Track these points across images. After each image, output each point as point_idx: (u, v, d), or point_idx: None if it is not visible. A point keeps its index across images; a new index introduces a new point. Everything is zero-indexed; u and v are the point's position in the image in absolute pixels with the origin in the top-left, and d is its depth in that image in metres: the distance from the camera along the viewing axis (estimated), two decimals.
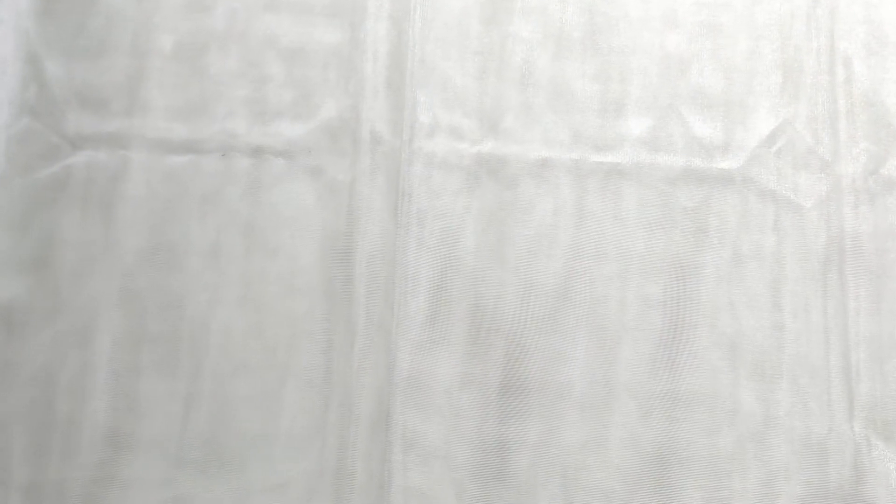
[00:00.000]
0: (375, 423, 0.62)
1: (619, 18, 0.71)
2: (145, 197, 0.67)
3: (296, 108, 0.69)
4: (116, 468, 0.61)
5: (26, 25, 0.70)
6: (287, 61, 0.70)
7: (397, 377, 0.63)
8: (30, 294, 0.64)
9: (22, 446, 0.62)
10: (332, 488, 0.61)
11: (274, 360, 0.63)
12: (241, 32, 0.71)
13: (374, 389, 0.63)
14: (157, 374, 0.63)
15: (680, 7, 0.70)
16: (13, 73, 0.69)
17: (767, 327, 0.65)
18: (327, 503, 0.61)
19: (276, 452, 0.62)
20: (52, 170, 0.67)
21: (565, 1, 0.71)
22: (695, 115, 0.69)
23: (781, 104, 0.69)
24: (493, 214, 0.66)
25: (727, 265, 0.66)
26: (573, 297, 0.65)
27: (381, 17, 0.71)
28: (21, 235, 0.66)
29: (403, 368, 0.63)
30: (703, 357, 0.64)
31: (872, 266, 0.66)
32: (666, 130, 0.68)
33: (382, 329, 0.63)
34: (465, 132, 0.69)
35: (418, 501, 0.61)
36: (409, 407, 0.63)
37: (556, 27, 0.71)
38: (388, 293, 0.64)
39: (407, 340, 0.64)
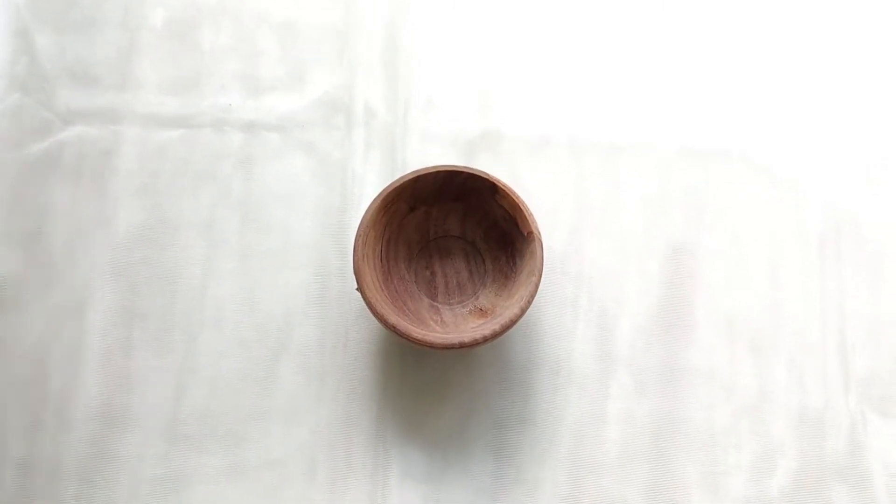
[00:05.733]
0: (370, 397, 0.62)
1: None
2: (137, 171, 0.66)
3: (289, 83, 0.69)
4: (110, 443, 0.61)
5: None
6: (280, 36, 0.70)
7: None
8: (22, 270, 0.64)
9: (16, 421, 0.61)
10: (328, 463, 0.61)
11: (268, 335, 0.63)
12: (233, 7, 0.70)
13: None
14: (150, 349, 0.63)
15: None
16: (3, 47, 0.68)
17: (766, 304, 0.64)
18: (323, 478, 0.61)
19: (271, 427, 0.61)
20: (44, 145, 0.67)
21: None
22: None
23: None
24: None
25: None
26: (568, 270, 0.65)
27: None
28: (13, 211, 0.65)
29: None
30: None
31: (869, 243, 0.66)
32: None
33: None
34: (461, 108, 0.68)
35: (415, 474, 0.61)
36: None
37: None
38: None
39: None
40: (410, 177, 0.60)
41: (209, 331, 0.63)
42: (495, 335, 0.57)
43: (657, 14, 0.70)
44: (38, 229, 0.65)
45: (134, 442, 0.62)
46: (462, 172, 0.60)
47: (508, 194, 0.60)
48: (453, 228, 0.64)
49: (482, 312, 0.61)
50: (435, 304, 0.62)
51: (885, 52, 0.70)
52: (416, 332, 0.57)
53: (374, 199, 0.59)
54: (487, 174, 0.60)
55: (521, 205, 0.59)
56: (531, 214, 0.59)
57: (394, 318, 0.57)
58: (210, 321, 0.63)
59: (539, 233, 0.59)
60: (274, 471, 0.61)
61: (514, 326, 0.57)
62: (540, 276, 0.58)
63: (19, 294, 0.64)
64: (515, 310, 0.57)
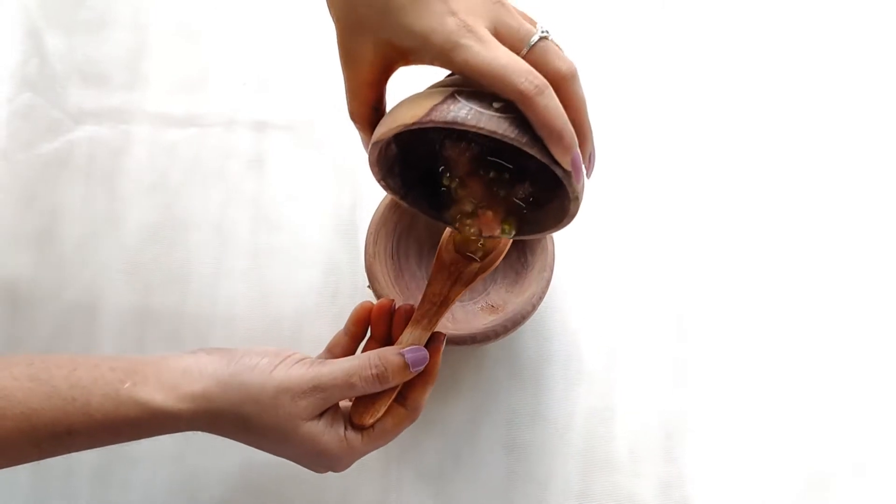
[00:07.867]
0: None
1: None
2: (148, 171, 0.67)
3: (298, 82, 0.69)
4: (123, 444, 0.61)
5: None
6: (288, 36, 0.69)
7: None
8: (34, 269, 0.64)
9: None
10: None
11: (279, 333, 0.63)
12: (242, 7, 0.70)
13: None
14: (162, 347, 0.63)
15: None
16: (14, 48, 0.69)
17: None
18: (336, 476, 0.61)
19: None
20: (54, 145, 0.67)
21: None
22: None
23: None
24: None
25: None
26: (579, 266, 0.65)
27: None
28: (25, 211, 0.66)
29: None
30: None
31: None
32: None
33: None
34: None
35: (427, 470, 0.61)
36: None
37: None
38: None
39: None
40: None
41: (221, 329, 0.63)
42: (506, 331, 0.57)
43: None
44: (49, 229, 0.65)
45: (146, 442, 0.61)
46: None
47: None
48: None
49: (493, 309, 0.61)
50: None
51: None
52: None
53: (385, 197, 0.59)
54: None
55: None
56: None
57: None
58: (221, 320, 0.63)
59: None
60: (287, 469, 0.61)
61: (526, 322, 0.57)
62: (551, 272, 0.58)
63: (32, 293, 0.64)
64: (527, 306, 0.57)
